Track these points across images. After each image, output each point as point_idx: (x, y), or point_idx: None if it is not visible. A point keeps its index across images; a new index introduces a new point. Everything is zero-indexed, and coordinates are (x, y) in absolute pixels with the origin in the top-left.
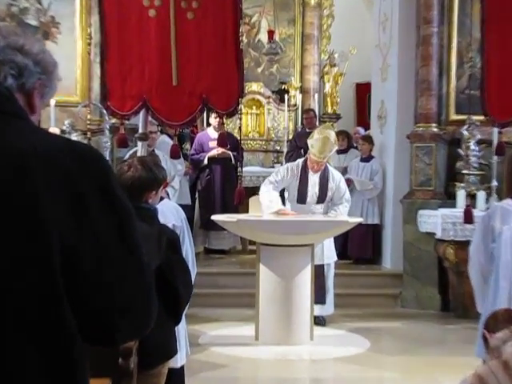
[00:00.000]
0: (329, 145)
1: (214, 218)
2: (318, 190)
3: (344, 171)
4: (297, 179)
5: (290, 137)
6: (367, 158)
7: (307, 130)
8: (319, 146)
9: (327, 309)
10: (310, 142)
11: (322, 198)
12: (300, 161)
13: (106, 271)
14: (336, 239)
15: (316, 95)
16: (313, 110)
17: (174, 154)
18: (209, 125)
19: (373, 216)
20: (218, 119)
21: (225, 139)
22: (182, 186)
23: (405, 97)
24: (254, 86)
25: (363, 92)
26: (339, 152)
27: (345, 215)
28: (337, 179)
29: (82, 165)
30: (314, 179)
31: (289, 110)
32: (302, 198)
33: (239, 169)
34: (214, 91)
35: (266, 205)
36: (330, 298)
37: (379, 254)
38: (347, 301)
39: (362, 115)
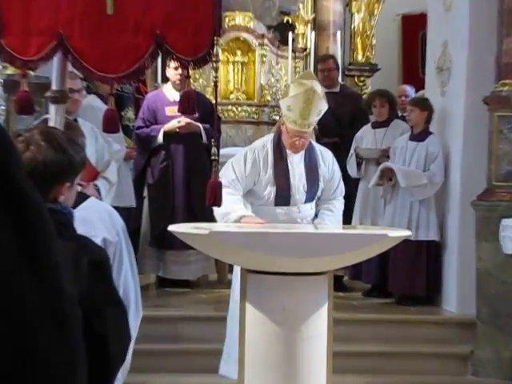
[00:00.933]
0: (315, 103)
1: (173, 228)
2: (306, 180)
3: (382, 156)
4: (267, 169)
5: None
6: (420, 135)
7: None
8: (300, 107)
9: None
10: (284, 102)
11: (312, 193)
12: (268, 139)
13: None
14: (366, 263)
15: (338, 34)
16: (333, 58)
17: (110, 125)
18: (165, 80)
19: (427, 228)
20: (179, 71)
21: (191, 103)
22: (123, 179)
23: (481, 36)
24: (238, 19)
25: (414, 29)
26: (376, 125)
27: (340, 215)
28: (329, 160)
29: None
30: (297, 164)
31: (294, 58)
32: (283, 196)
33: (214, 150)
34: (173, 25)
35: (220, 216)
36: None
37: (438, 290)
38: (387, 364)
39: (412, 66)
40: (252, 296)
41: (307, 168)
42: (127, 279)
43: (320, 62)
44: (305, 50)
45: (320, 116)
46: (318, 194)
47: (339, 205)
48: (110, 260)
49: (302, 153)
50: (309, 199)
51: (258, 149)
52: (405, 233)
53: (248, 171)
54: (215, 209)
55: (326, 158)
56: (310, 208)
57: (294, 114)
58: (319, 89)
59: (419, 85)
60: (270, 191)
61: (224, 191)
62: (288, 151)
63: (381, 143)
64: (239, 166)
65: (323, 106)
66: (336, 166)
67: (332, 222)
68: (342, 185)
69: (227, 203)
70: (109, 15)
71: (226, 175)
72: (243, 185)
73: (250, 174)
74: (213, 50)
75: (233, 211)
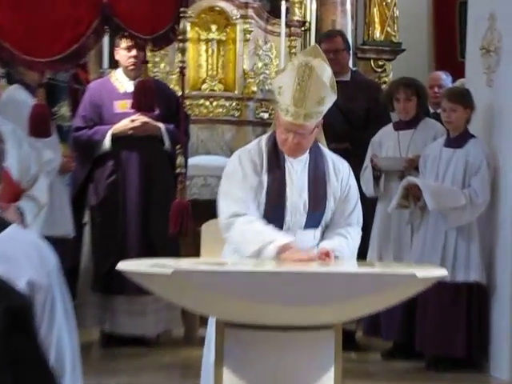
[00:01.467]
0: (312, 84)
1: (123, 267)
2: (309, 196)
3: (409, 168)
4: (262, 176)
5: None
6: (459, 140)
7: None
8: (292, 88)
9: None
10: (275, 82)
11: (316, 216)
12: (263, 138)
13: None
14: (387, 314)
15: (348, 2)
16: (341, 35)
17: (38, 126)
18: (114, 65)
19: (467, 266)
20: (133, 52)
21: (149, 96)
22: (56, 198)
23: None
24: None
25: None
26: (399, 126)
27: (354, 250)
28: (343, 174)
29: None
30: (297, 174)
31: (289, 35)
32: (273, 216)
33: (180, 161)
34: None
35: (250, 244)
36: None
37: (483, 351)
38: None
39: (448, 46)
40: (231, 358)
41: (312, 181)
42: (61, 336)
43: (324, 41)
44: (303, 23)
45: (324, 107)
46: (326, 218)
47: (355, 234)
48: (33, 308)
49: (307, 160)
50: (311, 224)
51: (252, 150)
52: (438, 272)
53: (251, 177)
54: (237, 242)
55: (339, 170)
56: (312, 237)
57: (285, 99)
58: (322, 67)
59: (458, 71)
60: (256, 207)
61: (240, 222)
62: (286, 156)
63: (406, 150)
64: (237, 175)
65: (327, 93)
66: (353, 182)
67: (344, 252)
68: (359, 210)
69: (253, 236)
70: None
71: (226, 201)
72: (256, 199)
73: (254, 180)
74: (178, 25)
75: (266, 243)
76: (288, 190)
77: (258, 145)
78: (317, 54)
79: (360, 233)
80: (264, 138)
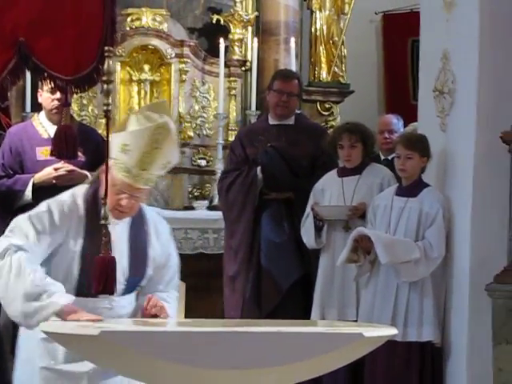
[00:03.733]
0: (165, 148)
1: (46, 327)
2: (129, 260)
3: (353, 216)
4: (76, 236)
5: (231, 137)
6: (412, 189)
7: (271, 122)
8: (143, 150)
9: None
10: (118, 138)
11: (135, 281)
12: (79, 191)
13: None
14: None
15: (292, 40)
16: (298, 79)
17: None
18: (38, 108)
19: (420, 324)
20: (57, 95)
21: (71, 142)
22: None
23: (497, 44)
24: (146, 18)
25: (401, 34)
26: (345, 172)
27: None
28: (164, 237)
29: None
30: (118, 237)
31: (229, 75)
32: (89, 281)
33: (105, 210)
34: (43, 29)
35: (23, 299)
36: None
37: None
38: None
39: (399, 88)
40: None
41: (132, 244)
42: None
43: (279, 80)
44: (244, 63)
45: (164, 171)
46: (143, 283)
47: (175, 300)
48: None
49: (129, 220)
50: (128, 289)
51: (66, 203)
52: (388, 331)
53: (57, 223)
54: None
55: (160, 232)
56: (127, 303)
57: (130, 159)
58: (172, 128)
59: (410, 115)
60: (70, 271)
61: (24, 256)
62: (111, 214)
63: (351, 198)
64: (40, 218)
65: (174, 157)
66: (172, 247)
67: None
68: (178, 277)
69: (35, 276)
70: None
71: (14, 231)
72: (44, 245)
73: (58, 228)
74: (103, 65)
75: (50, 291)
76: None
77: (72, 198)
78: (166, 111)
79: (178, 297)
80: (80, 193)
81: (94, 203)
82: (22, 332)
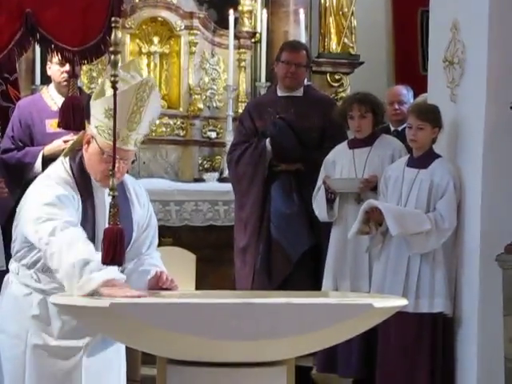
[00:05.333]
0: (151, 104)
1: (57, 300)
2: None
3: (365, 189)
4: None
5: (241, 109)
6: (423, 160)
7: (279, 93)
8: (128, 109)
9: None
10: (99, 104)
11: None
12: (58, 167)
13: None
14: (344, 349)
15: (302, 12)
16: (306, 49)
17: None
18: (47, 81)
19: (431, 296)
20: (66, 67)
21: (78, 114)
22: None
23: (509, 14)
24: None
25: (410, 4)
26: (354, 144)
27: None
28: (144, 199)
29: None
30: (103, 203)
31: (238, 47)
32: None
33: (112, 181)
34: (49, 1)
35: (70, 274)
36: None
37: None
38: None
39: (409, 58)
40: None
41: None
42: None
43: (288, 52)
44: (253, 35)
45: (149, 128)
46: (127, 249)
47: (158, 260)
48: None
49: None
50: None
51: (56, 180)
52: (399, 302)
53: (66, 201)
54: (59, 265)
55: (140, 195)
56: (116, 269)
57: (116, 122)
58: (155, 85)
59: (420, 85)
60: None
61: (75, 231)
62: (95, 183)
63: (362, 170)
64: (51, 198)
65: (157, 112)
66: (151, 208)
67: None
68: (156, 237)
69: (84, 248)
70: None
71: (52, 214)
72: (74, 214)
73: (69, 205)
74: (110, 36)
75: (95, 263)
76: (96, 222)
77: (56, 173)
78: (138, 70)
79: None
80: (60, 165)
81: (81, 172)
82: (6, 304)
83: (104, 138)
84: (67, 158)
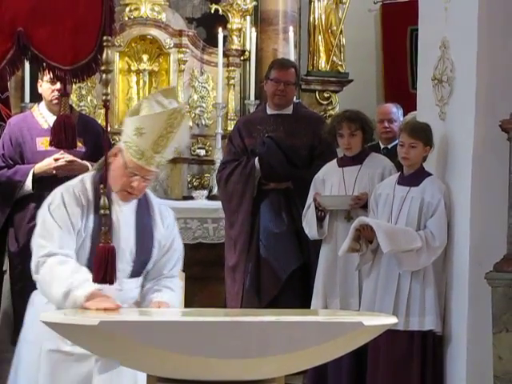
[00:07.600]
0: (179, 132)
1: (46, 318)
2: (136, 242)
3: (355, 206)
4: (88, 218)
5: (230, 127)
6: (413, 178)
7: (269, 112)
8: (157, 133)
9: None
10: (132, 122)
11: (141, 263)
12: (87, 177)
13: None
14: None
15: (291, 30)
16: (295, 67)
17: None
18: (37, 99)
19: (421, 314)
20: (57, 86)
21: (70, 132)
22: None
23: (496, 33)
24: (144, 8)
25: (399, 23)
26: (345, 162)
27: (178, 303)
28: (169, 221)
29: None
30: (125, 219)
31: (227, 65)
32: None
33: (103, 202)
34: (42, 19)
35: (59, 301)
36: None
37: None
38: None
39: (398, 77)
40: None
41: (139, 226)
42: None
43: (276, 69)
44: (242, 53)
45: (172, 154)
46: (148, 266)
47: (178, 287)
48: None
49: (135, 203)
50: (135, 272)
51: (76, 187)
52: (389, 320)
53: (74, 216)
54: (47, 291)
55: (165, 216)
56: (134, 286)
57: (144, 142)
58: (184, 115)
59: (409, 103)
60: (81, 253)
61: (50, 262)
62: (115, 197)
63: (352, 188)
64: (60, 211)
65: (185, 141)
66: (177, 232)
67: (175, 306)
68: (181, 264)
69: (62, 278)
70: None
71: (42, 239)
72: (73, 238)
73: (75, 215)
74: (101, 55)
75: (73, 288)
76: (115, 235)
77: (81, 182)
78: (176, 97)
79: (181, 285)
80: (88, 176)
81: (96, 186)
82: (29, 314)
83: (130, 153)
84: (95, 171)
